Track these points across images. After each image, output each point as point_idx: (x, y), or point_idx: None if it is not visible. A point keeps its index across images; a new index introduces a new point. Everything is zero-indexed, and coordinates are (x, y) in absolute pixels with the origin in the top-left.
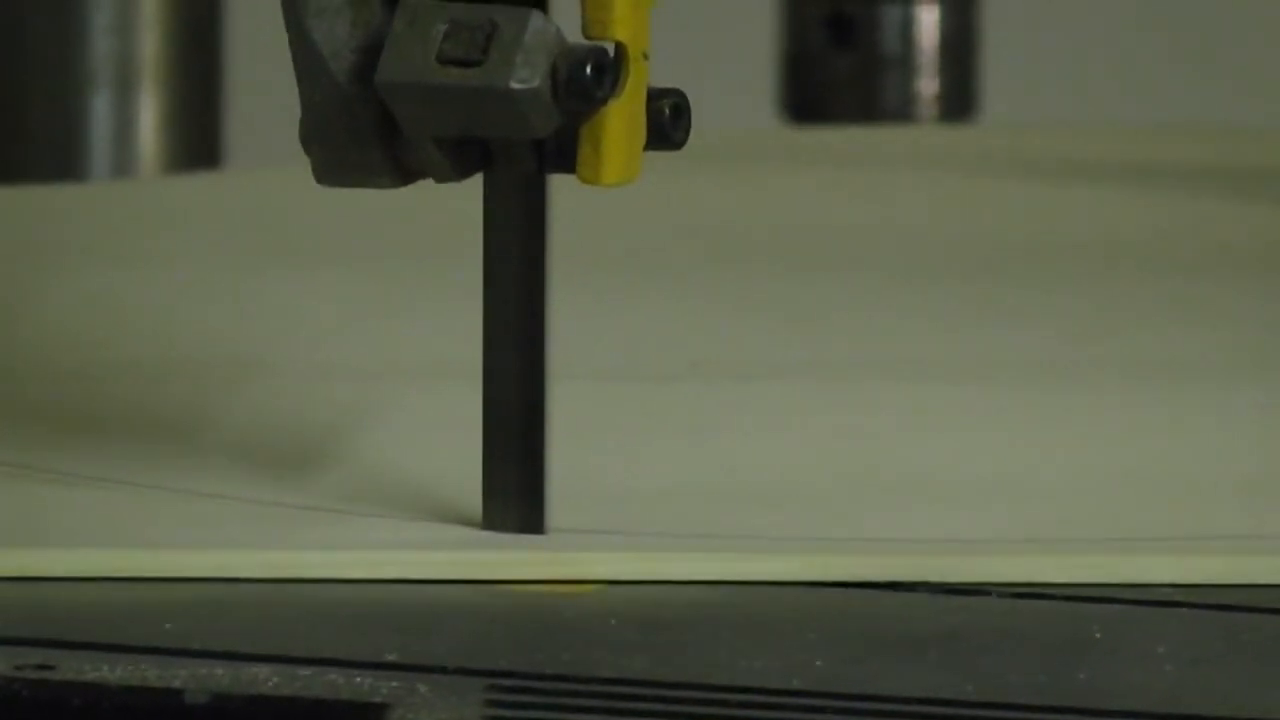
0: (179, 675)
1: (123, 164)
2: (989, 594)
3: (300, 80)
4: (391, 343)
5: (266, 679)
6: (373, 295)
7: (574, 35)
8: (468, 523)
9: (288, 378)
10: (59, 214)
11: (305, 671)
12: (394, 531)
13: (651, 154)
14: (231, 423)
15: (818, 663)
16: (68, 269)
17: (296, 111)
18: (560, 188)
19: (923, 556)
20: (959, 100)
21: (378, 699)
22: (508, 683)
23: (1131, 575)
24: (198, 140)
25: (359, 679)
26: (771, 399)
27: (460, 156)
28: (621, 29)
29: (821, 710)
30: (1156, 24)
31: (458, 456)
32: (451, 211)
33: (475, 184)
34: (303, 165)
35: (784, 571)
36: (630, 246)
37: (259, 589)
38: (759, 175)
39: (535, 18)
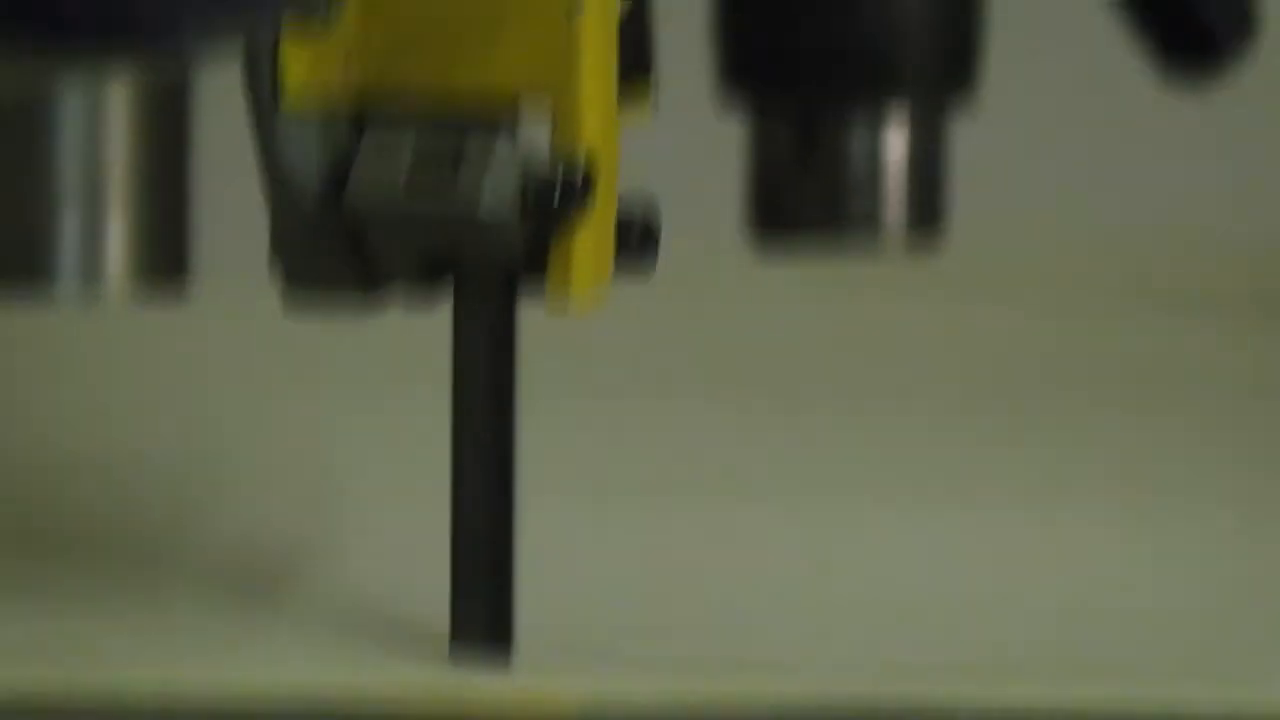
0: None
1: (90, 282)
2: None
3: (270, 201)
4: (360, 462)
5: None
6: (343, 414)
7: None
8: (435, 651)
9: (256, 495)
10: (26, 330)
11: None
12: (360, 659)
13: (620, 273)
14: (199, 544)
15: None
16: (39, 384)
17: (265, 231)
18: (529, 308)
19: (890, 681)
20: (927, 219)
21: None
22: None
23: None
24: (166, 259)
25: None
26: (736, 520)
27: (428, 277)
28: (591, 140)
29: None
30: (1124, 142)
31: (426, 581)
32: (421, 331)
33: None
34: (271, 283)
35: (751, 696)
36: (598, 367)
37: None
38: (728, 297)
39: (503, 141)
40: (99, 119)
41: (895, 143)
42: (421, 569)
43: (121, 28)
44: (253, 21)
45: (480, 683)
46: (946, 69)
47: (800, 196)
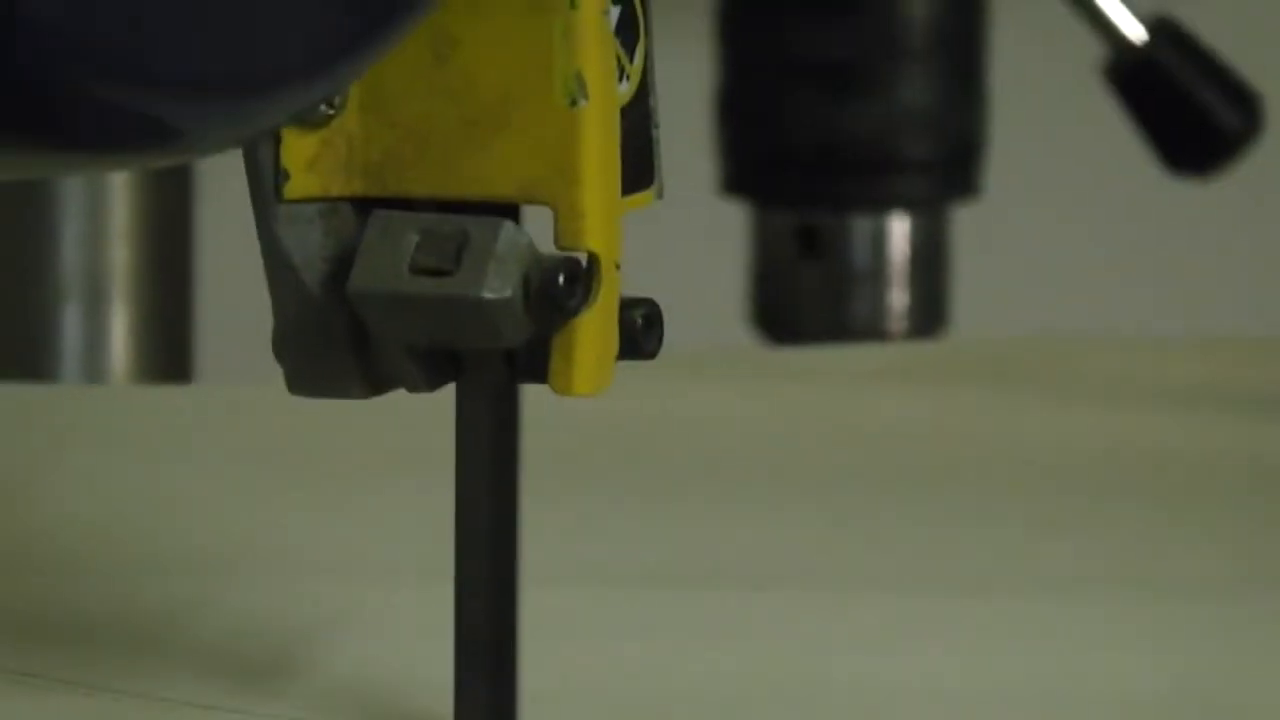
0: None
1: (93, 376)
2: None
3: (272, 289)
4: (363, 549)
5: None
6: (342, 500)
7: (546, 245)
8: None
9: (259, 584)
10: (30, 413)
11: None
12: None
13: (623, 364)
14: (203, 628)
15: None
16: (41, 467)
17: (268, 324)
18: (532, 396)
19: None
20: (930, 312)
21: None
22: None
23: None
24: (168, 352)
25: None
26: (743, 611)
27: (432, 365)
28: (594, 239)
29: None
30: (1126, 236)
31: (429, 665)
32: (425, 418)
33: (448, 392)
34: (275, 378)
35: None
36: (603, 456)
37: None
38: (729, 390)
39: (507, 228)
40: (101, 213)
41: (897, 239)
42: (424, 658)
43: (123, 137)
44: (257, 130)
45: None
46: (947, 165)
47: (801, 298)
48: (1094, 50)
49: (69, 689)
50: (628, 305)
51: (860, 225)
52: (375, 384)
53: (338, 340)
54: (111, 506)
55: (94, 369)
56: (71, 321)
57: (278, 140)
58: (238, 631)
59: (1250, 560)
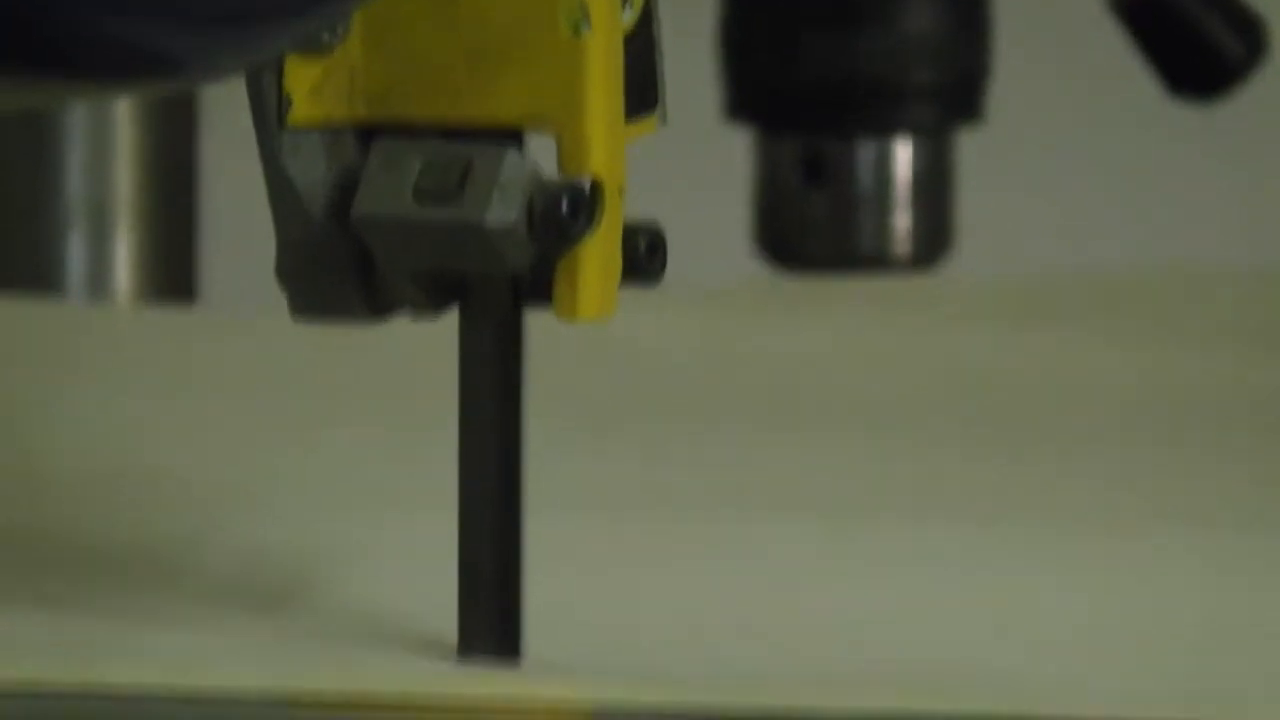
0: None
1: (98, 301)
2: None
3: (276, 217)
4: (364, 473)
5: None
6: (346, 427)
7: (550, 171)
8: (442, 653)
9: (266, 511)
10: (35, 332)
11: None
12: (366, 658)
13: (627, 285)
14: (205, 555)
15: None
16: (47, 388)
17: (272, 249)
18: (536, 322)
19: (902, 693)
20: (935, 238)
21: None
22: None
23: None
24: (172, 277)
25: None
26: (746, 535)
27: (436, 291)
28: (598, 164)
29: None
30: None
31: (435, 592)
32: (428, 345)
33: (451, 318)
34: (279, 303)
35: (756, 704)
36: (605, 381)
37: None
38: (735, 320)
39: (511, 154)
40: (106, 140)
41: (902, 165)
42: (429, 585)
43: (127, 67)
44: (259, 58)
45: (489, 681)
46: (951, 92)
47: (807, 224)
48: None
49: (79, 614)
50: (631, 230)
51: (865, 151)
52: (379, 309)
53: (341, 266)
54: (118, 431)
55: (99, 295)
56: (76, 248)
57: (281, 67)
58: (245, 559)
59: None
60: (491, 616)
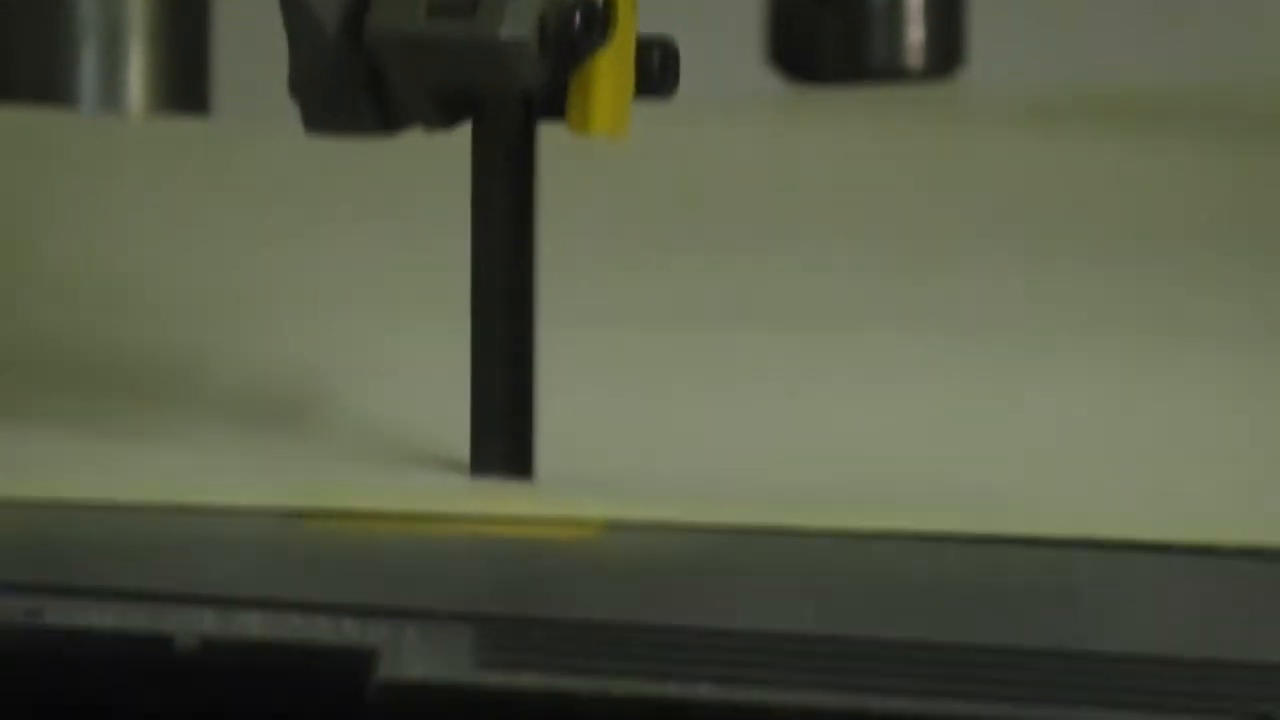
0: (168, 621)
1: (111, 112)
2: (977, 544)
3: (290, 33)
4: (376, 285)
5: (256, 625)
6: (359, 238)
7: None
8: (455, 471)
9: (268, 320)
10: (48, 141)
11: (295, 617)
12: (379, 475)
13: (641, 99)
14: (215, 367)
15: (808, 608)
16: (60, 196)
17: (284, 63)
18: (550, 138)
19: (908, 509)
20: (947, 51)
21: (367, 645)
22: (497, 628)
23: (1112, 530)
24: (184, 93)
25: (348, 625)
26: (762, 347)
27: (448, 107)
28: None
29: (813, 655)
30: None
31: (446, 403)
32: (437, 160)
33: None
34: (291, 117)
35: (769, 520)
36: (620, 198)
37: (248, 534)
38: (750, 132)
39: None
40: None
41: None
42: (443, 400)
43: None
44: None
45: (502, 498)
46: None
47: (820, 37)
48: None
49: (89, 430)
50: (644, 45)
51: None
52: (391, 124)
53: (354, 81)
54: (132, 240)
55: (111, 109)
56: (89, 62)
57: None
58: (256, 371)
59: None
60: (504, 434)
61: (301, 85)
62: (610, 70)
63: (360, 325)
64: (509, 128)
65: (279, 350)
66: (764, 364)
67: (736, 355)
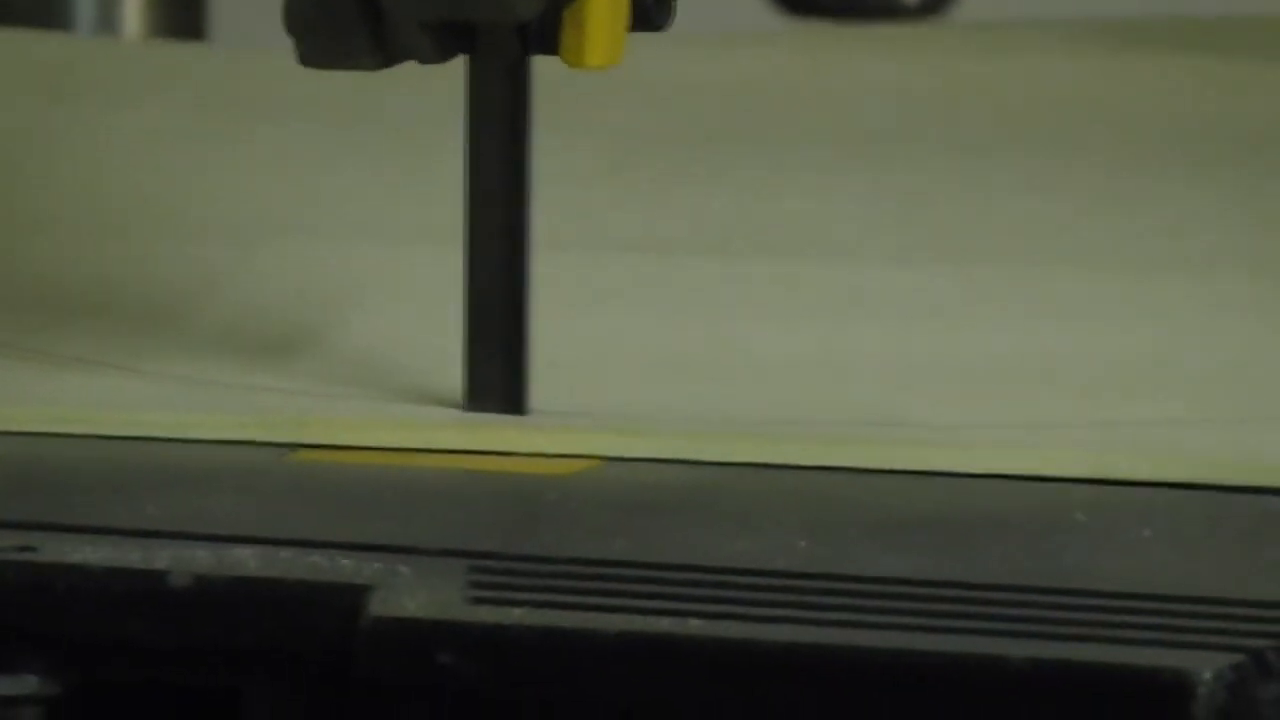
0: (162, 557)
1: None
2: (968, 478)
3: None
4: (370, 218)
5: (249, 561)
6: (355, 168)
7: None
8: (449, 404)
9: (275, 252)
10: (44, 63)
11: (287, 554)
12: (373, 405)
13: (636, 29)
14: (209, 295)
15: (801, 544)
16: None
17: None
18: (545, 70)
19: (905, 445)
20: None
21: (360, 581)
22: (490, 564)
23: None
24: (180, 19)
25: (341, 561)
26: (760, 277)
27: (443, 39)
28: None
29: (804, 591)
30: None
31: (441, 337)
32: (434, 91)
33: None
34: (286, 44)
35: (764, 455)
36: (616, 128)
37: (239, 470)
38: (747, 60)
39: None
40: None
41: None
42: (437, 328)
43: None
44: None
45: (495, 427)
46: None
47: None
48: None
49: (75, 363)
50: None
51: None
52: (387, 57)
53: (350, 13)
54: (127, 165)
55: (108, 31)
56: None
57: None
58: (249, 301)
59: None
60: (499, 368)
61: (297, 19)
62: (604, 3)
63: (357, 252)
64: (504, 60)
65: (274, 278)
66: (764, 292)
67: (737, 283)
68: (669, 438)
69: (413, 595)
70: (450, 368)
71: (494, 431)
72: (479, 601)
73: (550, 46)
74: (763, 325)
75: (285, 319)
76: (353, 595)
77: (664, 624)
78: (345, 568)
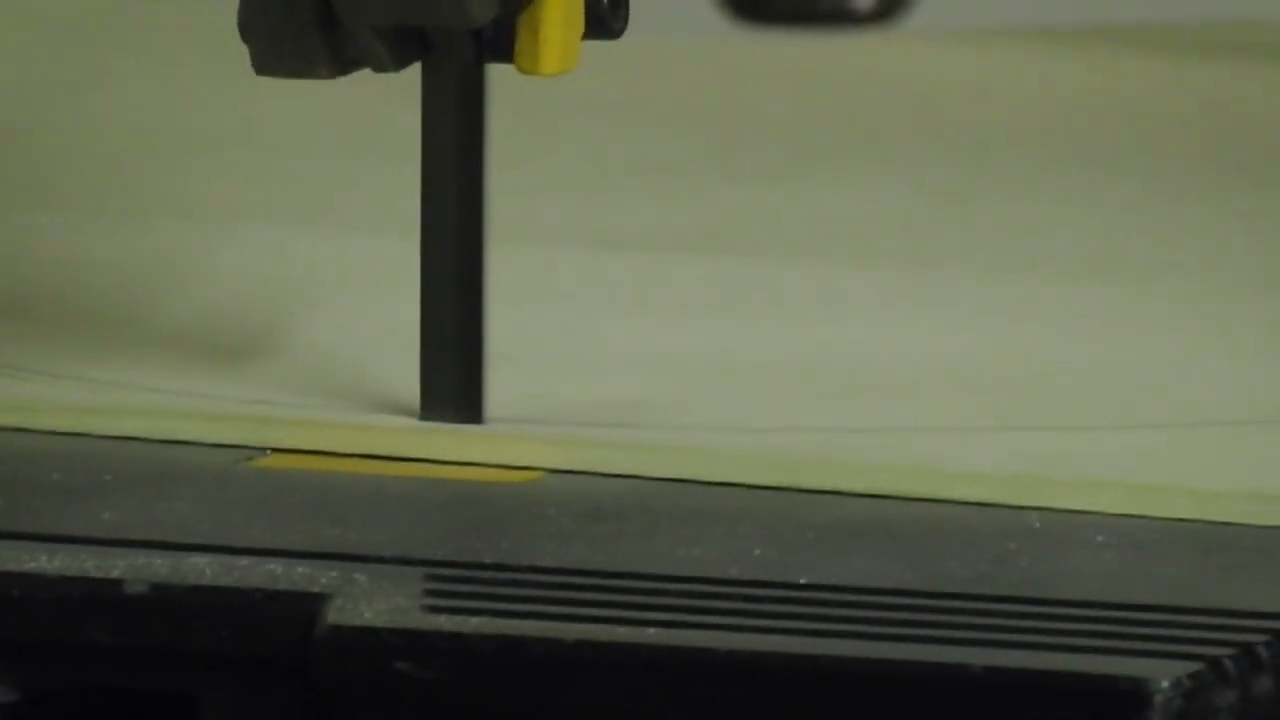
0: (118, 566)
1: None
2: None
3: None
4: (325, 232)
5: (206, 569)
6: (313, 183)
7: None
8: (405, 413)
9: (223, 262)
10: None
11: (244, 561)
12: (329, 407)
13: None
14: (167, 315)
15: (755, 551)
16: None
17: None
18: (500, 77)
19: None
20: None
21: (316, 589)
22: (446, 572)
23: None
24: None
25: (298, 569)
26: (717, 277)
27: (399, 46)
28: None
29: (759, 600)
30: None
31: (396, 348)
32: (389, 102)
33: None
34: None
35: (719, 473)
36: (571, 132)
37: (195, 476)
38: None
39: None
40: None
41: None
42: (391, 329)
43: None
44: None
45: (449, 436)
46: None
47: None
48: None
49: (32, 362)
50: None
51: None
52: (341, 64)
53: (304, 21)
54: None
55: None
56: None
57: None
58: (200, 315)
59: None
60: (454, 377)
61: (252, 26)
62: (559, 9)
63: (311, 247)
64: (459, 66)
65: (227, 276)
66: (726, 291)
67: (696, 286)
68: (625, 449)
69: (370, 603)
70: (408, 363)
71: (450, 441)
72: (436, 610)
73: (505, 53)
74: (721, 327)
75: (238, 320)
76: (310, 603)
77: (621, 632)
78: (302, 576)
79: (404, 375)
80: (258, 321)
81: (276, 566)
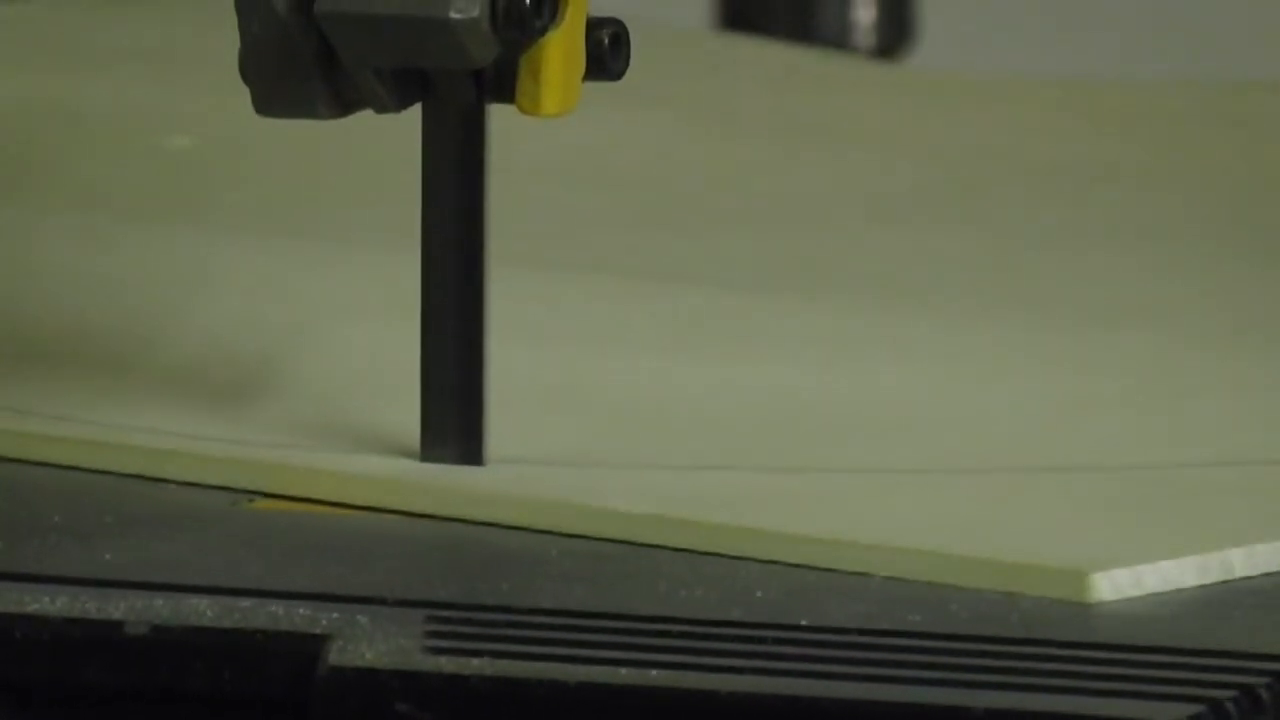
0: (119, 607)
1: None
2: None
3: (239, 11)
4: (329, 274)
5: (207, 610)
6: (312, 227)
7: None
8: (406, 455)
9: (225, 305)
10: None
11: (246, 603)
12: (330, 449)
13: (591, 79)
14: (168, 355)
15: (757, 593)
16: None
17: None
18: (501, 118)
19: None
20: (897, 29)
21: (318, 630)
22: (448, 613)
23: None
24: None
25: (299, 610)
26: (719, 316)
27: (399, 87)
28: None
29: (764, 641)
30: None
31: (396, 390)
32: (391, 144)
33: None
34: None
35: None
36: (570, 174)
37: (197, 516)
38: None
39: None
40: None
41: None
42: (389, 384)
43: None
44: None
45: (453, 484)
46: None
47: (771, 7)
48: None
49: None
50: (595, 25)
51: None
52: (342, 105)
53: (305, 62)
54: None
55: None
56: None
57: None
58: (201, 356)
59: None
60: (455, 418)
61: (251, 64)
62: (560, 50)
63: (306, 309)
64: (460, 107)
65: (224, 333)
66: (723, 330)
67: (694, 331)
68: (623, 515)
69: (371, 645)
70: (406, 419)
71: (453, 488)
72: (438, 651)
73: (506, 94)
74: (723, 367)
75: (236, 372)
76: (311, 645)
77: (623, 674)
78: (303, 617)
79: (404, 414)
80: (255, 364)
81: (278, 608)
